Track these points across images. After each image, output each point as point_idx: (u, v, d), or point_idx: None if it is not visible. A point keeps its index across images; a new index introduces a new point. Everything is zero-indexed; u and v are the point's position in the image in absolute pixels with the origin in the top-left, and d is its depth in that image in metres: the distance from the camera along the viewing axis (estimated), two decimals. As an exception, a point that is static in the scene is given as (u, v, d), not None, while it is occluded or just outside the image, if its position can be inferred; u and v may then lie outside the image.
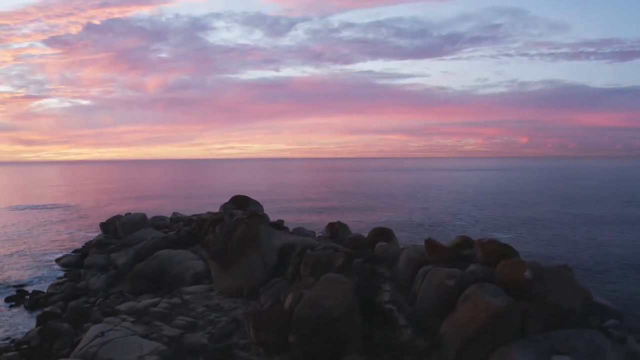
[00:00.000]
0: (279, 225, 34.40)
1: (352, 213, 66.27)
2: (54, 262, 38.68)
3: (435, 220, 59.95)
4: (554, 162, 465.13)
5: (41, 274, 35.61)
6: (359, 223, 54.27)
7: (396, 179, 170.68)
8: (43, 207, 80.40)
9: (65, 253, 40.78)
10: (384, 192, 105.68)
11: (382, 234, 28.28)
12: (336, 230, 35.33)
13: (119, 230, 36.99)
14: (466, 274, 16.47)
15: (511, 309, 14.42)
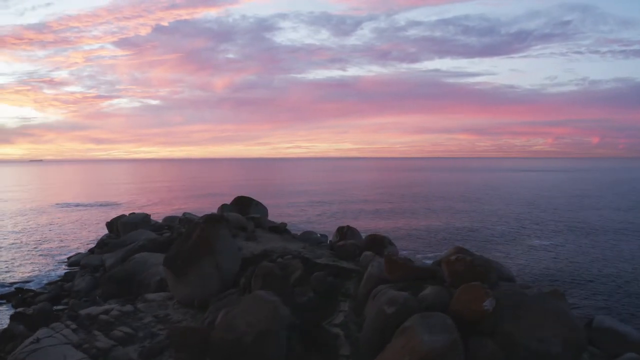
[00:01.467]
0: (279, 229, 32.07)
1: (405, 217, 63.02)
2: (66, 261, 38.27)
3: (476, 224, 55.57)
4: (626, 163, 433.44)
5: (47, 272, 35.12)
6: (402, 228, 52.11)
7: (460, 179, 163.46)
8: (89, 205, 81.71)
9: (81, 252, 40.35)
10: (442, 194, 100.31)
11: (375, 241, 25.34)
12: (344, 234, 32.68)
13: (120, 230, 35.95)
14: (411, 301, 13.32)
15: (449, 352, 11.13)
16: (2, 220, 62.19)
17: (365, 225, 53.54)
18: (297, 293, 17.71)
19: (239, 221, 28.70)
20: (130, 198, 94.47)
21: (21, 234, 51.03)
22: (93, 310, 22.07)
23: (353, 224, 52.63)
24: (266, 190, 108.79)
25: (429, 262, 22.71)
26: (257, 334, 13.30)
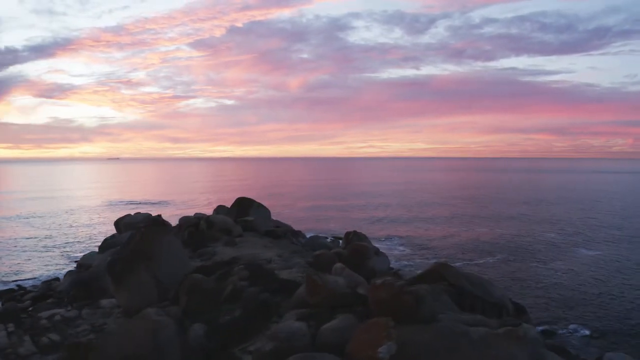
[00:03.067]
0: (274, 233, 29.83)
1: (460, 220, 58.85)
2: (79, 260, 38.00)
3: (527, 231, 50.46)
4: None
5: (55, 270, 34.89)
6: (450, 233, 48.90)
7: (534, 180, 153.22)
8: (140, 203, 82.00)
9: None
10: (511, 196, 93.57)
11: (356, 252, 22.48)
12: (350, 240, 30.05)
13: (122, 230, 35.04)
14: (300, 336, 10.61)
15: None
16: (44, 217, 63.48)
17: (409, 231, 50.26)
18: (224, 311, 15.35)
19: (225, 224, 26.79)
20: (186, 197, 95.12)
21: (55, 231, 51.99)
22: (45, 313, 21.09)
23: (398, 229, 50.66)
24: (329, 191, 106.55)
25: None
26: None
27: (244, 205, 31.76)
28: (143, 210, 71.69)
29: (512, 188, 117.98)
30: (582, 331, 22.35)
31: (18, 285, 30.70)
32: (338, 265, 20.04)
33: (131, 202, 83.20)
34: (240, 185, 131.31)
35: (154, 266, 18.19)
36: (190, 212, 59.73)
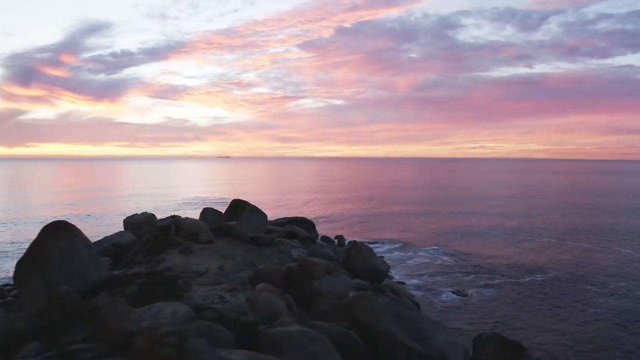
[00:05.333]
0: (262, 240, 26.75)
1: (552, 233, 51.10)
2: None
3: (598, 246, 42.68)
4: None
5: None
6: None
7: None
8: (212, 201, 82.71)
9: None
10: (620, 204, 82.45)
11: (302, 270, 18.76)
12: (349, 251, 26.54)
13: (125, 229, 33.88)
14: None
15: None
16: (105, 217, 63.86)
17: (491, 248, 42.93)
18: (67, 334, 12.74)
19: (195, 229, 24.28)
20: (266, 197, 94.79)
21: (104, 227, 52.74)
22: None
23: (482, 245, 43.76)
24: (425, 194, 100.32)
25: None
26: None
27: (237, 208, 29.19)
28: (208, 206, 72.25)
29: (632, 195, 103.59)
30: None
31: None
32: (261, 285, 16.76)
33: (206, 200, 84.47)
34: (333, 186, 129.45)
35: (46, 272, 16.14)
36: (271, 215, 58.97)
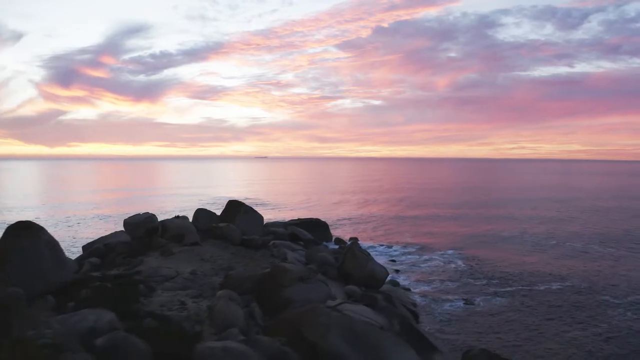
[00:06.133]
0: (252, 243, 25.81)
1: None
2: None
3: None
4: None
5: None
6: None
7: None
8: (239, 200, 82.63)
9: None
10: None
11: (269, 277, 17.69)
12: (344, 254, 25.51)
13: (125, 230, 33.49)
14: None
15: None
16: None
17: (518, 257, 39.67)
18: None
19: (181, 229, 23.55)
20: (296, 197, 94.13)
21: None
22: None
23: (507, 256, 39.76)
24: (459, 196, 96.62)
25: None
26: None
27: (231, 209, 28.35)
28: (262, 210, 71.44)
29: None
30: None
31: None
32: (221, 292, 15.81)
33: (247, 200, 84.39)
34: (366, 187, 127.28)
35: (4, 273, 15.67)
36: (293, 215, 58.22)
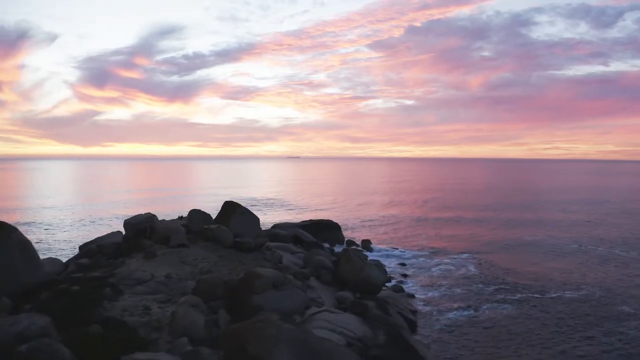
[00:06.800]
0: (245, 246, 25.09)
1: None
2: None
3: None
4: None
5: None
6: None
7: None
8: (254, 204, 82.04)
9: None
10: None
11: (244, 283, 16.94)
12: (339, 258, 24.71)
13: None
14: None
15: None
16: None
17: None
18: None
19: (169, 231, 23.05)
20: (322, 198, 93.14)
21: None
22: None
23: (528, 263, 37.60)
24: (488, 198, 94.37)
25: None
26: None
27: (227, 210, 27.68)
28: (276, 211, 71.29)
29: None
30: None
31: None
32: (184, 298, 15.17)
33: (269, 201, 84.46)
34: (394, 188, 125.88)
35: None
36: (312, 216, 57.53)
